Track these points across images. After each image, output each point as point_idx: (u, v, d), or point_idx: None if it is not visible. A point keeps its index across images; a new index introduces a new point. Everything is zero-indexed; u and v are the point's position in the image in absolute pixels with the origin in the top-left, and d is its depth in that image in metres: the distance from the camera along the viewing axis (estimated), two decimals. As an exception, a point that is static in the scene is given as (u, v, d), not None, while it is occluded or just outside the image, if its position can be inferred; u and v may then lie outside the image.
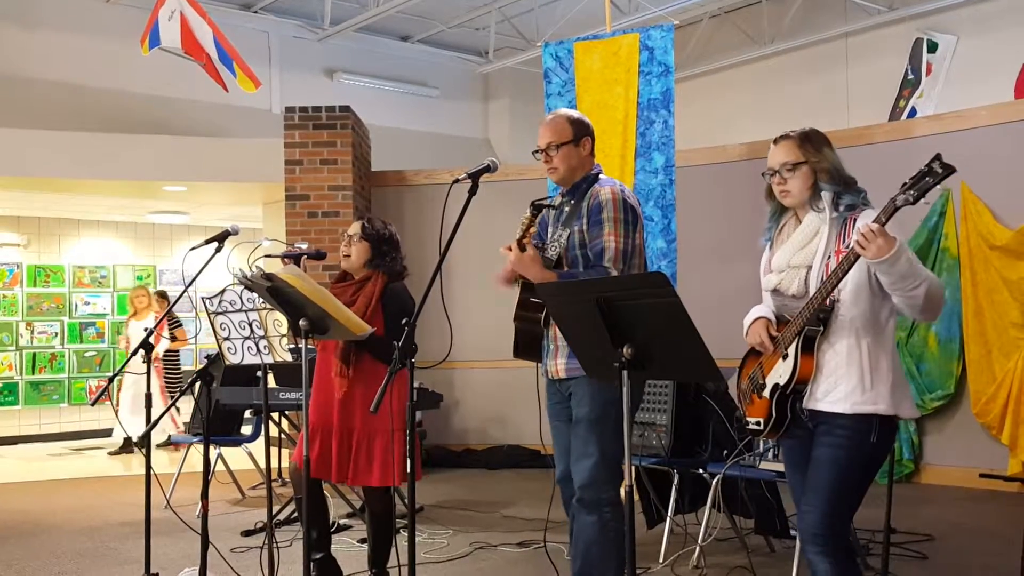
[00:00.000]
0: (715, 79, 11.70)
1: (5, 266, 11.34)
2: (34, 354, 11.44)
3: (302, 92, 10.64)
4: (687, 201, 6.86)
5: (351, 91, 11.24)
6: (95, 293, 11.97)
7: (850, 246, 2.59)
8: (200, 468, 3.79)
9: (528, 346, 3.47)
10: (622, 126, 6.42)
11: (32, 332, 11.48)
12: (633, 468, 2.47)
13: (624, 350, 2.47)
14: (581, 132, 3.44)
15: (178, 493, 6.44)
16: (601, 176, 3.48)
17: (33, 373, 11.42)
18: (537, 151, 3.47)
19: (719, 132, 10.15)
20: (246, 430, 7.20)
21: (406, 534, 2.88)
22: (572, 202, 3.44)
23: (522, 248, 3.22)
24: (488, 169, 3.14)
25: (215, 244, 4.04)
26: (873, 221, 2.51)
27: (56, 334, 11.61)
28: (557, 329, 3.32)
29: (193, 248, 4.14)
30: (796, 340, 2.75)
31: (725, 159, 7.87)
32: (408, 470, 3.01)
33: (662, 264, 6.26)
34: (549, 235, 3.48)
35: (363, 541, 4.84)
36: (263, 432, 5.42)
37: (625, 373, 2.49)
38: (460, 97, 12.75)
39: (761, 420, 2.85)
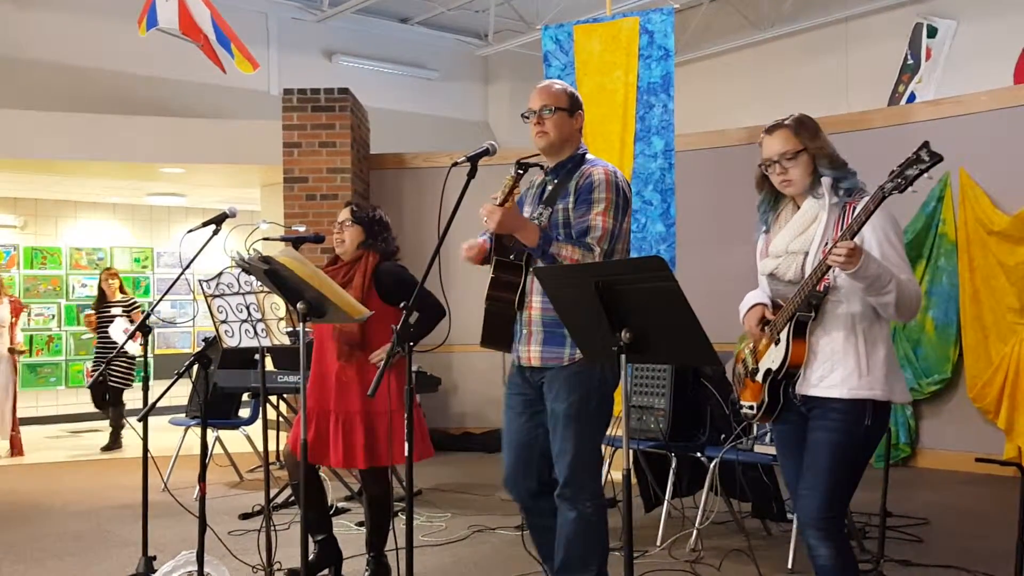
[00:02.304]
0: (715, 63, 11.67)
1: (2, 248, 11.32)
2: (31, 336, 11.43)
3: (301, 74, 10.60)
4: (686, 185, 6.85)
5: (350, 73, 11.19)
6: (92, 275, 11.94)
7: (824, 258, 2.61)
8: (198, 451, 3.79)
9: (498, 331, 3.34)
10: (622, 109, 6.40)
11: (29, 314, 11.46)
12: (631, 452, 2.47)
13: (622, 334, 2.47)
14: (576, 105, 3.35)
15: (176, 476, 6.45)
16: (588, 156, 3.35)
17: (30, 355, 11.41)
18: (527, 113, 3.31)
19: (718, 116, 10.12)
20: (244, 413, 7.21)
21: (404, 517, 2.88)
22: (556, 181, 3.31)
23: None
24: (487, 152, 3.11)
25: (212, 226, 4.03)
26: (841, 235, 2.57)
27: (53, 316, 11.60)
28: (531, 313, 3.24)
29: (190, 230, 4.13)
30: (788, 325, 2.75)
31: (724, 143, 7.85)
32: (406, 452, 3.01)
33: (661, 248, 6.25)
34: (527, 215, 3.33)
35: (361, 524, 4.85)
36: (261, 415, 5.42)
37: (623, 357, 2.49)
38: (459, 80, 12.71)
39: (754, 404, 2.86)
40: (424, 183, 8.51)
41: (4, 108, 8.48)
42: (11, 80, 9.23)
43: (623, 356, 2.48)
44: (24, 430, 10.64)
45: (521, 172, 3.15)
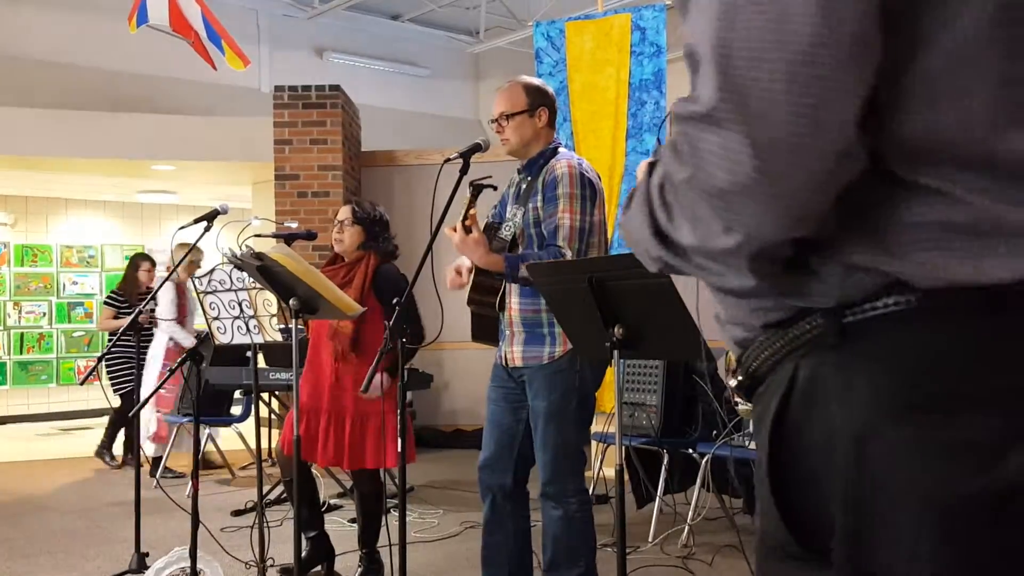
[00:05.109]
0: (706, 60, 11.68)
1: (-8, 245, 11.28)
2: (22, 334, 11.39)
3: (291, 71, 10.57)
4: (678, 182, 6.85)
5: (341, 70, 11.17)
6: (83, 273, 11.92)
7: None
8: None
9: (487, 329, 3.37)
10: (613, 107, 6.40)
11: (20, 312, 11.43)
12: (623, 448, 2.48)
13: (615, 330, 2.47)
14: (537, 102, 3.25)
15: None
16: (560, 149, 3.30)
17: (21, 353, 11.38)
18: (492, 120, 3.30)
19: (710, 113, 10.12)
20: (236, 410, 7.20)
21: (396, 514, 2.88)
22: (529, 178, 3.27)
23: (467, 231, 3.05)
24: (479, 148, 3.11)
25: (204, 224, 4.02)
26: None
27: (44, 314, 11.56)
28: (510, 314, 3.25)
29: (182, 227, 4.12)
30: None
31: (716, 140, 7.85)
32: (399, 450, 3.03)
33: (652, 245, 6.26)
34: (508, 213, 3.33)
35: (353, 521, 4.85)
36: (253, 412, 5.42)
37: (616, 352, 2.50)
38: (451, 77, 12.70)
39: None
40: (415, 180, 8.50)
41: (-6, 105, 8.45)
42: (1, 77, 9.18)
43: (616, 352, 2.49)
44: (14, 428, 10.65)
45: (475, 194, 3.10)
